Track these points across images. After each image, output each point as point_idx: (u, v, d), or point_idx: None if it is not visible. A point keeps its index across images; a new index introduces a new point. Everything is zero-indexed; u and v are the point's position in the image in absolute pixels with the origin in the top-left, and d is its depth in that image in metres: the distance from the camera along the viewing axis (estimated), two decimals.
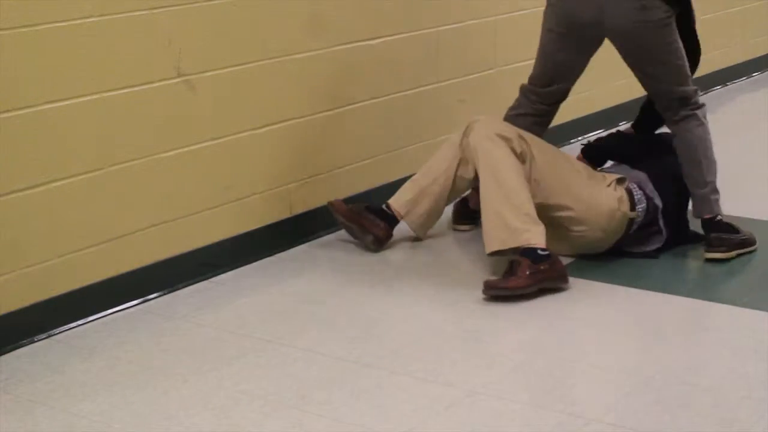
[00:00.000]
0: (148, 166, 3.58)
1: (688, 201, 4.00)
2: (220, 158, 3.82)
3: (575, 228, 3.82)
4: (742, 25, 6.87)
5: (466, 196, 4.24)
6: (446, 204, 4.11)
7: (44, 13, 3.23)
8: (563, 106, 4.23)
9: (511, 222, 3.63)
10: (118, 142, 3.49)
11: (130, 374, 3.10)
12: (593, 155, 4.21)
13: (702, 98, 3.98)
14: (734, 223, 3.94)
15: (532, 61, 4.13)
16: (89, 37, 3.35)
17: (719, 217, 3.90)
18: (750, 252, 3.94)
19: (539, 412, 2.86)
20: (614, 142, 4.27)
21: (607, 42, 3.98)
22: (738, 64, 6.95)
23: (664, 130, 4.09)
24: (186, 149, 3.70)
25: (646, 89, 4.05)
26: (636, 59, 3.93)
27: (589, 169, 3.96)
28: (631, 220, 3.84)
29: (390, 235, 4.05)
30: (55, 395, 2.98)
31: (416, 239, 4.12)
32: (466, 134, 3.92)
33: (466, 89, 4.83)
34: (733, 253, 3.88)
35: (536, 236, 3.62)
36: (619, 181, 3.88)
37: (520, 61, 5.08)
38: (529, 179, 3.75)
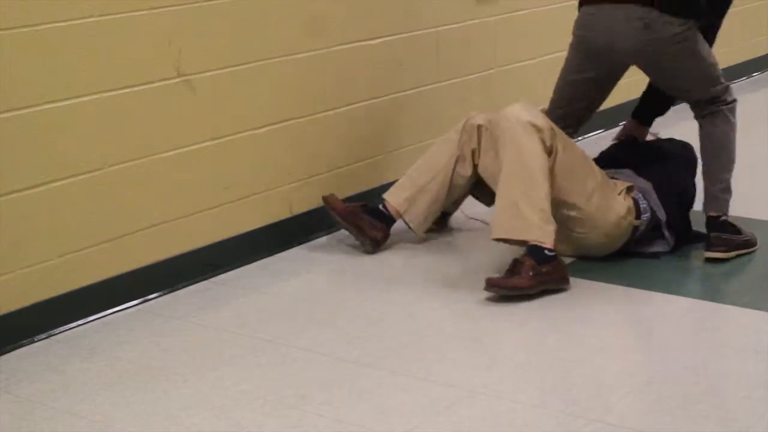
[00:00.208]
0: (148, 166, 3.58)
1: (690, 207, 4.00)
2: (220, 158, 3.82)
3: (579, 229, 3.80)
4: (742, 25, 6.87)
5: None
6: (444, 202, 4.10)
7: (44, 13, 3.23)
8: None
9: (526, 214, 3.59)
10: (118, 142, 3.49)
11: (130, 374, 3.10)
12: (603, 161, 4.17)
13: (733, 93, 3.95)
14: (738, 224, 3.93)
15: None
16: (89, 37, 3.35)
17: (724, 217, 3.90)
18: (750, 253, 3.94)
19: (539, 412, 2.86)
20: (620, 147, 4.25)
21: None
22: (738, 64, 6.94)
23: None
24: (186, 149, 3.70)
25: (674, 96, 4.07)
26: (657, 76, 3.96)
27: (605, 174, 3.91)
28: (636, 228, 3.84)
29: (387, 236, 4.05)
30: (55, 395, 2.98)
31: (414, 238, 4.12)
32: (467, 130, 3.92)
33: (466, 89, 4.84)
34: (733, 254, 3.88)
35: (547, 235, 3.60)
36: (628, 189, 3.87)
37: (520, 61, 5.09)
38: (550, 172, 3.69)
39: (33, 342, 3.31)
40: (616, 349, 3.26)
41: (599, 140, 4.99)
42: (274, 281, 3.80)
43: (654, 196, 3.90)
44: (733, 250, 3.88)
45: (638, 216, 3.83)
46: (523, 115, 3.69)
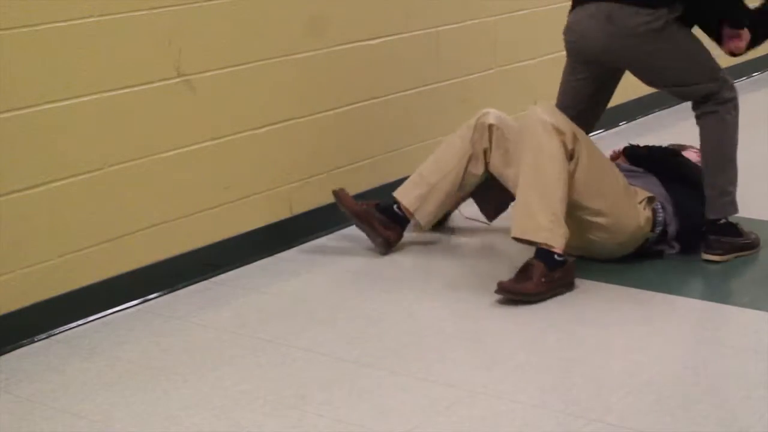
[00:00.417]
0: (148, 166, 3.58)
1: (701, 228, 3.95)
2: (220, 158, 3.82)
3: (599, 234, 3.76)
4: None
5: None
6: (455, 200, 4.10)
7: (44, 13, 3.23)
8: None
9: (537, 216, 3.57)
10: (118, 142, 3.49)
11: (130, 374, 3.10)
12: (634, 156, 4.16)
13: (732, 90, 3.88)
14: (740, 225, 3.92)
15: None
16: (89, 37, 3.35)
17: (723, 220, 3.88)
18: (750, 254, 3.93)
19: (539, 412, 2.86)
20: (660, 155, 4.18)
21: None
22: (738, 64, 6.93)
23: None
24: (186, 149, 3.70)
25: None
26: (640, 75, 3.92)
27: (626, 181, 3.87)
28: (647, 239, 3.84)
29: (400, 237, 4.03)
30: (55, 395, 2.98)
31: (415, 237, 4.12)
32: (478, 129, 3.93)
33: (466, 89, 4.84)
34: (730, 257, 3.86)
35: (557, 239, 3.57)
36: (649, 200, 3.85)
37: (520, 61, 5.09)
38: (572, 176, 3.65)
39: (33, 342, 3.31)
40: (616, 349, 3.26)
41: (599, 140, 4.98)
42: (274, 281, 3.80)
43: (671, 209, 3.88)
44: (730, 254, 3.87)
45: (653, 228, 3.83)
46: (546, 117, 3.66)
